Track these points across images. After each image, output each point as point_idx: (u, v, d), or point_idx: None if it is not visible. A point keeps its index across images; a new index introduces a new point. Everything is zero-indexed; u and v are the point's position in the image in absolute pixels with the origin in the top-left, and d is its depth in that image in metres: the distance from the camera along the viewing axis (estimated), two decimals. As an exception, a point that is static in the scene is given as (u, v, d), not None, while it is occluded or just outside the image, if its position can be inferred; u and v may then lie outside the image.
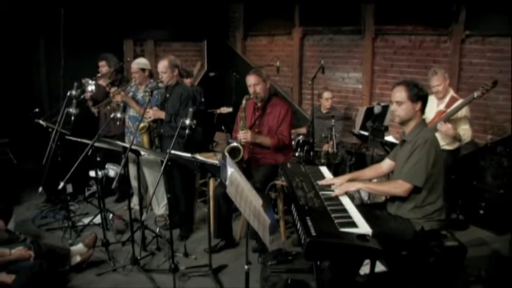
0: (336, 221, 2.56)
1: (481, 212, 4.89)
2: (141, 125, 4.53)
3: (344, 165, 5.67)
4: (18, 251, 3.21)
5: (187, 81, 6.26)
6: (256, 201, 2.69)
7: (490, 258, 4.28)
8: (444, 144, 4.37)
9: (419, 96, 3.03)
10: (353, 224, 2.55)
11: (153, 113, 4.54)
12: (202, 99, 6.36)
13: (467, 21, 5.40)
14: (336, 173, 5.61)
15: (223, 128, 6.45)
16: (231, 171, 2.53)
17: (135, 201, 5.22)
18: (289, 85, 7.41)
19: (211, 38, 7.65)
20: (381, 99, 6.24)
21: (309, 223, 2.43)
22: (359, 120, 5.44)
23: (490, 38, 5.32)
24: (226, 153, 3.00)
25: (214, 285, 3.72)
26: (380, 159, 4.86)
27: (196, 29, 7.29)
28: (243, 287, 2.95)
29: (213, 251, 4.07)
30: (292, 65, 7.29)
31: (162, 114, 4.52)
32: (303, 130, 6.07)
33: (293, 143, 5.42)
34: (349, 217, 2.66)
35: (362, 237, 2.39)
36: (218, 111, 6.56)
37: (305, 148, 5.53)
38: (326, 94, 5.98)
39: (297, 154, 5.48)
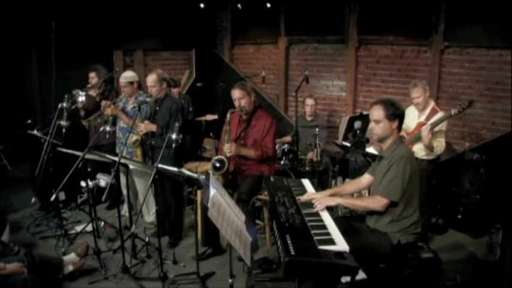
0: (315, 238, 2.66)
1: (459, 216, 5.08)
2: (134, 138, 4.65)
3: (327, 175, 5.83)
4: (12, 266, 3.30)
5: (175, 90, 6.37)
6: (239, 218, 2.84)
7: (467, 261, 4.47)
8: (423, 154, 4.53)
9: (396, 115, 3.13)
10: (331, 242, 2.65)
11: (145, 127, 4.64)
12: (191, 108, 6.50)
13: (446, 32, 5.58)
14: (321, 179, 5.79)
15: (211, 134, 6.60)
16: (213, 192, 2.65)
17: (125, 208, 5.27)
18: (275, 92, 7.55)
19: (199, 47, 7.76)
20: (364, 107, 6.42)
21: (289, 241, 2.53)
22: (342, 130, 5.58)
23: (468, 48, 5.51)
24: (210, 172, 3.15)
25: (202, 293, 3.84)
26: (363, 165, 5.05)
27: (184, 38, 7.39)
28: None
29: (200, 259, 4.19)
30: (278, 73, 7.43)
31: (153, 128, 4.63)
32: (288, 139, 6.20)
33: (278, 151, 5.54)
34: (328, 234, 2.77)
35: (339, 255, 2.49)
36: (204, 118, 6.70)
37: (290, 156, 5.65)
38: (308, 101, 6.10)
39: (282, 162, 5.59)
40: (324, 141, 5.96)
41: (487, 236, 4.73)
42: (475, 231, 4.93)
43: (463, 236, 4.99)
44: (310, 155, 5.65)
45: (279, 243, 2.61)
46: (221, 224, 2.45)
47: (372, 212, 3.23)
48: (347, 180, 5.72)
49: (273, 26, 7.26)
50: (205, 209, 4.26)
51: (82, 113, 5.35)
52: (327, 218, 3.04)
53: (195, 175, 3.61)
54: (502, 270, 3.70)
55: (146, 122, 4.68)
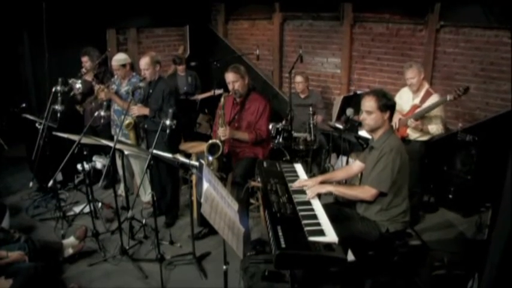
0: (305, 228, 2.74)
1: (450, 195, 5.19)
2: (127, 121, 4.68)
3: (321, 154, 5.90)
4: (14, 254, 3.39)
5: (180, 68, 6.45)
6: (232, 209, 2.91)
7: (456, 240, 4.60)
8: (417, 136, 4.58)
9: (387, 106, 3.18)
10: (321, 233, 2.73)
11: (138, 110, 4.66)
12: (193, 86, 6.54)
13: (442, 11, 5.52)
14: (315, 158, 5.85)
15: (206, 111, 6.63)
16: (206, 186, 2.71)
17: (122, 187, 5.34)
18: (270, 68, 7.50)
19: (193, 22, 7.63)
20: (358, 85, 6.43)
21: (280, 233, 2.61)
22: (335, 110, 5.60)
23: (464, 28, 5.45)
24: (203, 161, 3.20)
25: (198, 273, 3.97)
26: (356, 142, 5.09)
27: (178, 14, 7.25)
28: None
29: (196, 238, 4.31)
30: (273, 49, 7.36)
31: (146, 111, 4.64)
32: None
33: (272, 130, 5.56)
34: (318, 224, 2.85)
35: (328, 246, 2.57)
36: (200, 96, 6.71)
37: (284, 135, 5.65)
38: (297, 78, 6.06)
39: (276, 141, 5.61)
40: (325, 116, 6.04)
41: (477, 216, 4.84)
42: (465, 210, 5.05)
43: (453, 215, 5.12)
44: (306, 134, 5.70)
45: (270, 234, 2.69)
46: (214, 219, 2.51)
47: (362, 200, 3.31)
48: (339, 163, 5.78)
49: (268, 1, 7.13)
50: (199, 204, 4.34)
51: (79, 97, 5.28)
52: (317, 207, 3.11)
53: (189, 162, 3.67)
54: (487, 249, 3.83)
55: (139, 105, 4.69)
